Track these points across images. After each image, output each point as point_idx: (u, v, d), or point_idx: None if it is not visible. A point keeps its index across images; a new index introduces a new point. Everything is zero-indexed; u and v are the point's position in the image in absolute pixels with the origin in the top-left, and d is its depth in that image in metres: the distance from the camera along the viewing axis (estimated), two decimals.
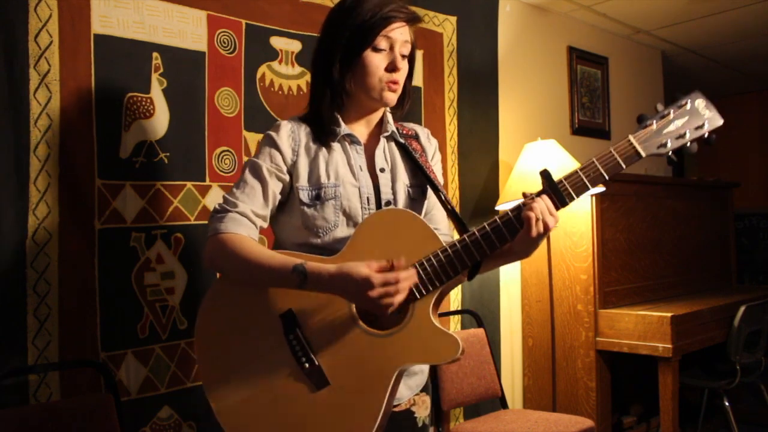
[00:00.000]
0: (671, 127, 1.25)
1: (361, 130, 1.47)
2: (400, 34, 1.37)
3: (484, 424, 2.53)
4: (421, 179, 1.48)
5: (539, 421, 2.49)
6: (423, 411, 1.50)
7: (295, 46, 2.42)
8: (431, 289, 1.29)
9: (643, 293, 3.30)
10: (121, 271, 1.98)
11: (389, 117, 1.49)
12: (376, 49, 1.36)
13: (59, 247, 1.86)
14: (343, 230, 1.38)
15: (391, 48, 1.37)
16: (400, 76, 1.40)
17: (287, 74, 2.40)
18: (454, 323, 2.94)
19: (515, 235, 1.28)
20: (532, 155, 2.92)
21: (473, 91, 3.07)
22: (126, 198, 1.99)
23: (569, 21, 3.76)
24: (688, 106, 1.26)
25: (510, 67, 3.33)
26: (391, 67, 1.37)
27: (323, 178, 1.38)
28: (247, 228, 1.35)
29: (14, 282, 1.79)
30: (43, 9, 1.85)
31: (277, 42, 2.37)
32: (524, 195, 1.29)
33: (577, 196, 1.27)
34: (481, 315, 2.91)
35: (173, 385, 2.06)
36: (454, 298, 2.95)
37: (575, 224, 3.09)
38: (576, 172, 1.27)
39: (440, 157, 1.59)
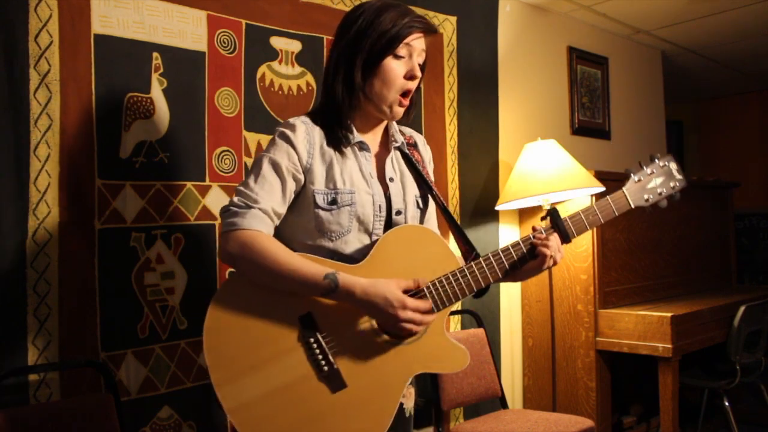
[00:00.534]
0: (652, 184, 1.54)
1: (368, 138, 1.50)
2: (418, 43, 1.43)
3: (484, 424, 2.53)
4: (424, 189, 1.55)
5: (539, 421, 2.49)
6: (409, 402, 1.55)
7: (295, 46, 2.42)
8: (446, 305, 1.40)
9: (643, 293, 3.30)
10: (121, 271, 1.98)
11: (396, 127, 1.54)
12: (397, 57, 1.41)
13: (59, 247, 1.86)
14: (354, 235, 1.41)
15: (410, 56, 1.42)
16: (416, 85, 1.45)
17: (287, 74, 2.40)
18: (454, 323, 2.94)
19: (525, 265, 1.45)
20: (532, 155, 2.91)
21: (473, 91, 3.07)
22: (126, 198, 1.99)
23: (569, 21, 3.75)
24: (665, 168, 1.55)
25: (510, 67, 3.33)
26: (410, 75, 1.43)
27: (339, 184, 1.40)
28: (268, 226, 1.35)
29: (14, 282, 1.79)
30: (43, 9, 1.85)
31: (277, 42, 2.37)
32: (534, 229, 1.47)
33: (577, 235, 1.49)
34: (481, 315, 2.90)
35: (173, 385, 2.06)
36: None
37: None
38: (578, 213, 1.48)
39: (433, 167, 1.67)
